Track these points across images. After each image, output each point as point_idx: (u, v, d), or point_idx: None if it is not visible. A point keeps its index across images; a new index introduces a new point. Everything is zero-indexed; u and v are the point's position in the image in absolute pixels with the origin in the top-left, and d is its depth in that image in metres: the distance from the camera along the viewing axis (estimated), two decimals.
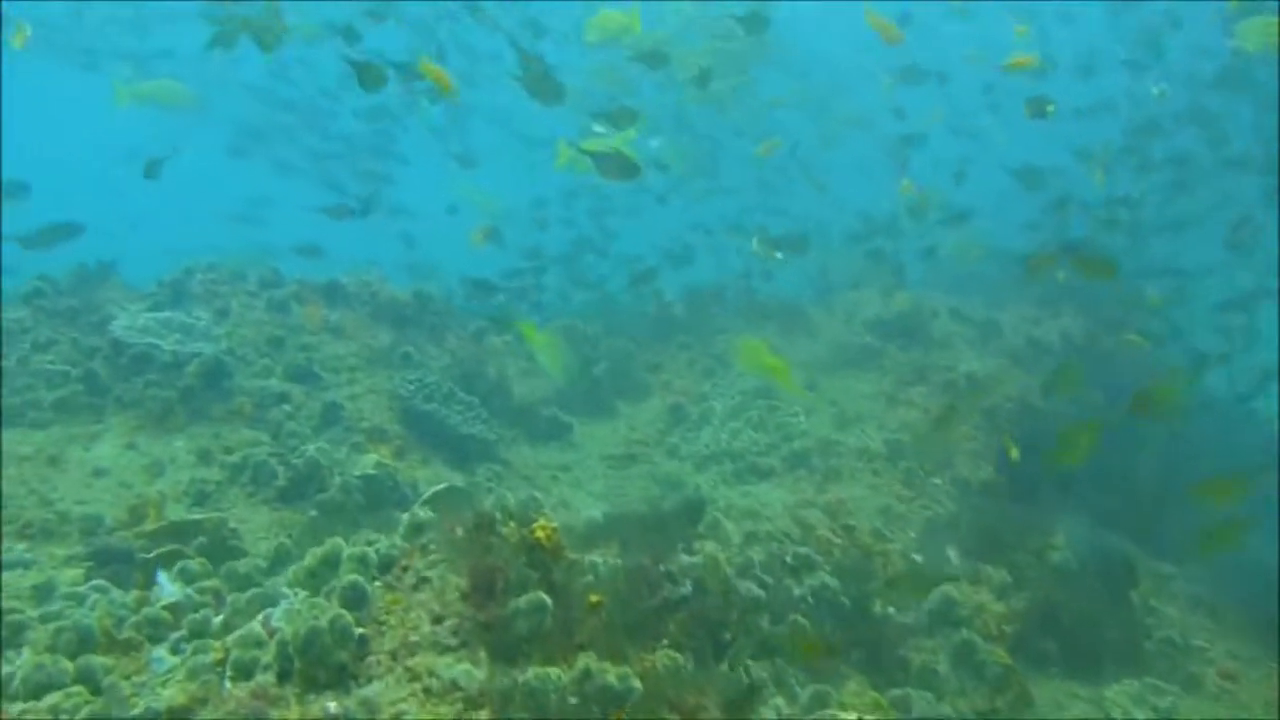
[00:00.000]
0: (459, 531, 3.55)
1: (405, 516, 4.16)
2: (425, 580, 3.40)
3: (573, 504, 6.66)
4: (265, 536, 5.07)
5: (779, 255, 7.33)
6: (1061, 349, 9.37)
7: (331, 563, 3.50)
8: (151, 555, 4.37)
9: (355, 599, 3.25)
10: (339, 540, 3.54)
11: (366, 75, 5.43)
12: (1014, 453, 6.99)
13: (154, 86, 8.10)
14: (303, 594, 3.45)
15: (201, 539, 4.68)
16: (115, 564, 4.45)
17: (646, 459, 7.74)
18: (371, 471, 5.56)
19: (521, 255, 10.60)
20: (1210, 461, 9.74)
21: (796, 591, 5.04)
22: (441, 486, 5.46)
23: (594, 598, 3.57)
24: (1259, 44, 7.49)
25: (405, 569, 3.53)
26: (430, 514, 4.15)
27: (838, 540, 5.70)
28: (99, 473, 5.37)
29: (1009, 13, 12.77)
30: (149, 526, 4.79)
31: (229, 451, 5.77)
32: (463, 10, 10.25)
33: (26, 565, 4.45)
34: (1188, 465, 10.11)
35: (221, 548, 4.71)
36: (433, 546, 3.54)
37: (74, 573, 4.39)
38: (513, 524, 3.58)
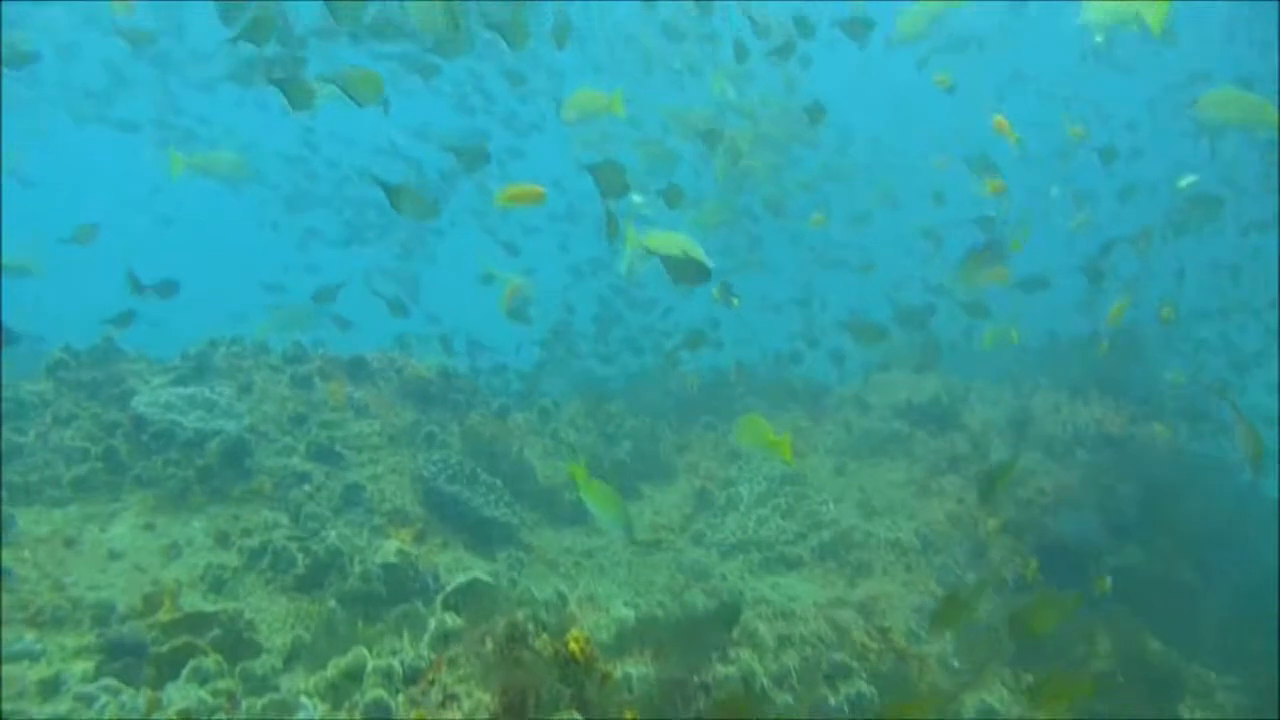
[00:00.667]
0: (488, 643, 3.39)
1: (432, 623, 4.00)
2: (453, 697, 3.22)
3: (599, 596, 6.45)
4: (282, 628, 4.90)
5: (735, 303, 7.13)
6: (1095, 439, 9.16)
7: (355, 675, 3.32)
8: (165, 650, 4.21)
9: (379, 717, 3.07)
10: (363, 651, 3.37)
11: (399, 198, 5.30)
12: (1032, 569, 6.77)
13: (210, 157, 8.06)
14: (324, 707, 3.27)
15: (216, 631, 4.52)
16: (127, 657, 4.28)
17: (671, 546, 7.54)
18: (393, 560, 5.38)
19: (547, 330, 10.54)
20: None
21: (833, 701, 4.83)
22: (465, 579, 5.27)
23: (629, 715, 3.39)
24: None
25: (431, 682, 3.35)
26: (457, 620, 3.98)
27: (873, 644, 5.47)
28: (114, 555, 5.22)
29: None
30: (163, 617, 4.62)
31: (248, 534, 5.62)
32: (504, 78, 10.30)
33: (35, 656, 4.28)
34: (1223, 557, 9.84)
35: (237, 641, 4.54)
36: (461, 659, 3.37)
37: (84, 666, 4.22)
38: (545, 636, 3.41)
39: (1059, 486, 8.36)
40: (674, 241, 4.72)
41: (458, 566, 6.06)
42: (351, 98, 5.14)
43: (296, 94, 5.33)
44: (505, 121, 12.81)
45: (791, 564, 7.27)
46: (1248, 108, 5.78)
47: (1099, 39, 6.11)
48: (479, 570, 5.82)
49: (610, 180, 5.39)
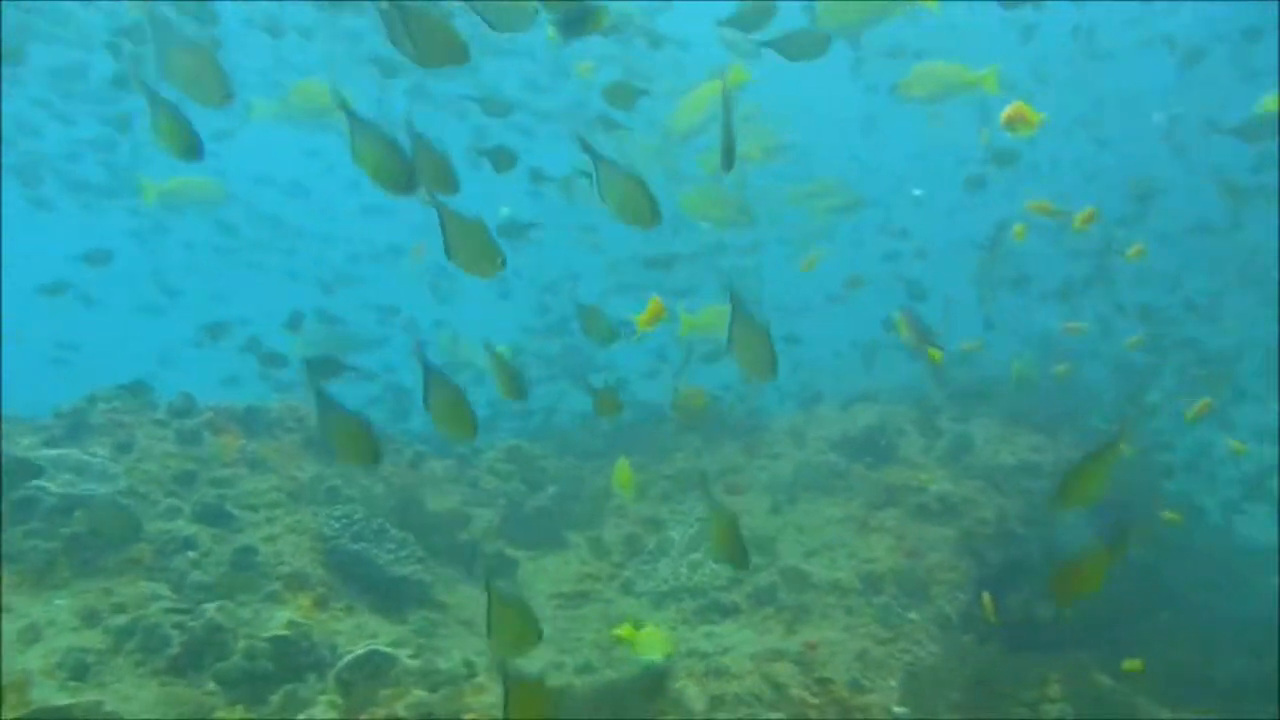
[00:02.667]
0: None
1: (320, 703, 3.50)
2: None
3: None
4: (150, 718, 4.33)
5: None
6: (1037, 468, 8.94)
7: None
8: None
9: None
10: None
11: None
12: (989, 609, 6.46)
13: (182, 184, 7.31)
14: None
15: None
16: None
17: (600, 596, 7.08)
18: (283, 632, 4.85)
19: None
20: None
21: None
22: (362, 651, 4.78)
23: None
24: None
25: None
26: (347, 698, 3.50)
27: (814, 700, 5.08)
28: None
29: None
30: (9, 715, 4.03)
31: (120, 610, 5.04)
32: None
33: None
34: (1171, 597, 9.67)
35: None
36: None
37: None
38: None
39: (1002, 516, 8.11)
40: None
41: (361, 634, 5.54)
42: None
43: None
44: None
45: (727, 611, 6.85)
46: (951, 79, 5.47)
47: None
48: (382, 639, 5.31)
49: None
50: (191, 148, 3.38)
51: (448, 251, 3.44)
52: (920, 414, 9.95)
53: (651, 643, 5.21)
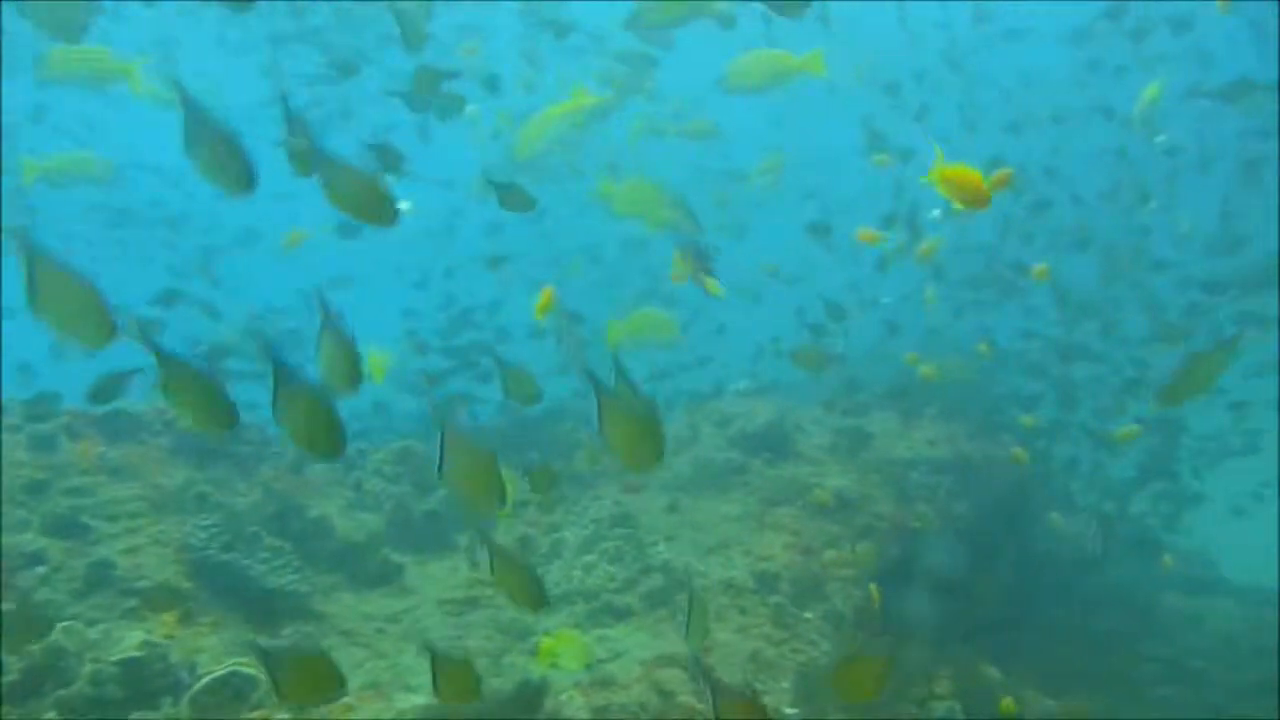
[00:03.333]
0: None
1: None
2: None
3: (399, 670, 5.70)
4: None
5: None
6: (932, 462, 9.01)
7: None
8: None
9: None
10: None
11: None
12: (877, 600, 6.45)
13: (64, 159, 6.69)
14: None
15: None
16: None
17: (490, 602, 6.84)
18: (134, 654, 4.51)
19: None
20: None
21: None
22: (221, 672, 4.47)
23: None
24: None
25: None
26: None
27: (702, 706, 4.95)
28: None
29: None
30: None
31: None
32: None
33: None
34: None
35: None
36: None
37: None
38: None
39: (898, 511, 8.15)
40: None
41: (228, 652, 5.21)
42: None
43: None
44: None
45: (620, 614, 6.70)
46: (778, 66, 5.29)
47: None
48: (245, 657, 5.00)
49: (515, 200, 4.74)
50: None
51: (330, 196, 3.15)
52: (820, 409, 9.98)
53: (571, 652, 5.07)
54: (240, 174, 2.93)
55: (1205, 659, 9.06)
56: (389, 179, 3.54)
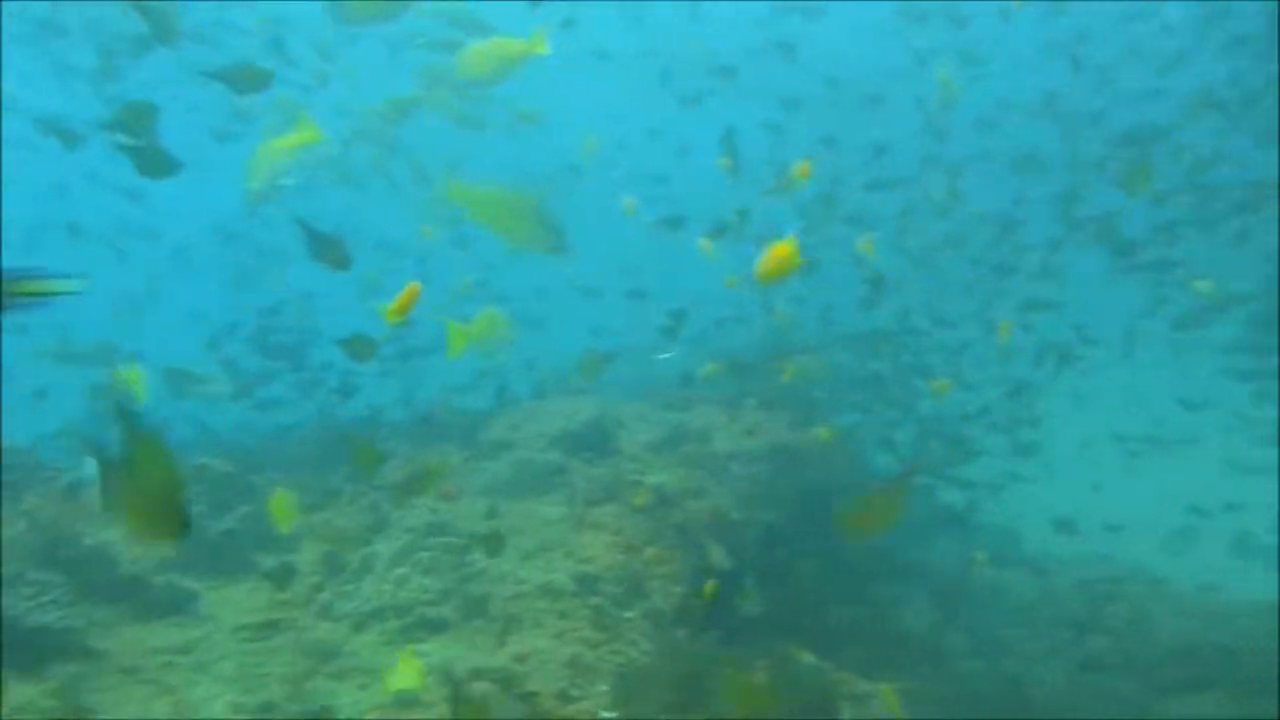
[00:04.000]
0: None
1: None
2: None
3: (186, 705, 5.26)
4: None
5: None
6: (751, 453, 9.13)
7: None
8: None
9: None
10: None
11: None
12: (710, 590, 6.45)
13: None
14: None
15: None
16: None
17: (292, 625, 6.44)
18: None
19: None
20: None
21: None
22: None
23: None
24: None
25: None
26: None
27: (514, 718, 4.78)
28: None
29: None
30: None
31: None
32: None
33: None
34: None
35: None
36: None
37: None
38: None
39: (718, 504, 8.20)
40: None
41: None
42: None
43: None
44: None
45: (436, 627, 6.43)
46: (505, 53, 5.18)
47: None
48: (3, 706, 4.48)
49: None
50: None
51: None
52: (644, 405, 9.97)
53: (404, 673, 4.81)
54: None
55: (1007, 629, 9.59)
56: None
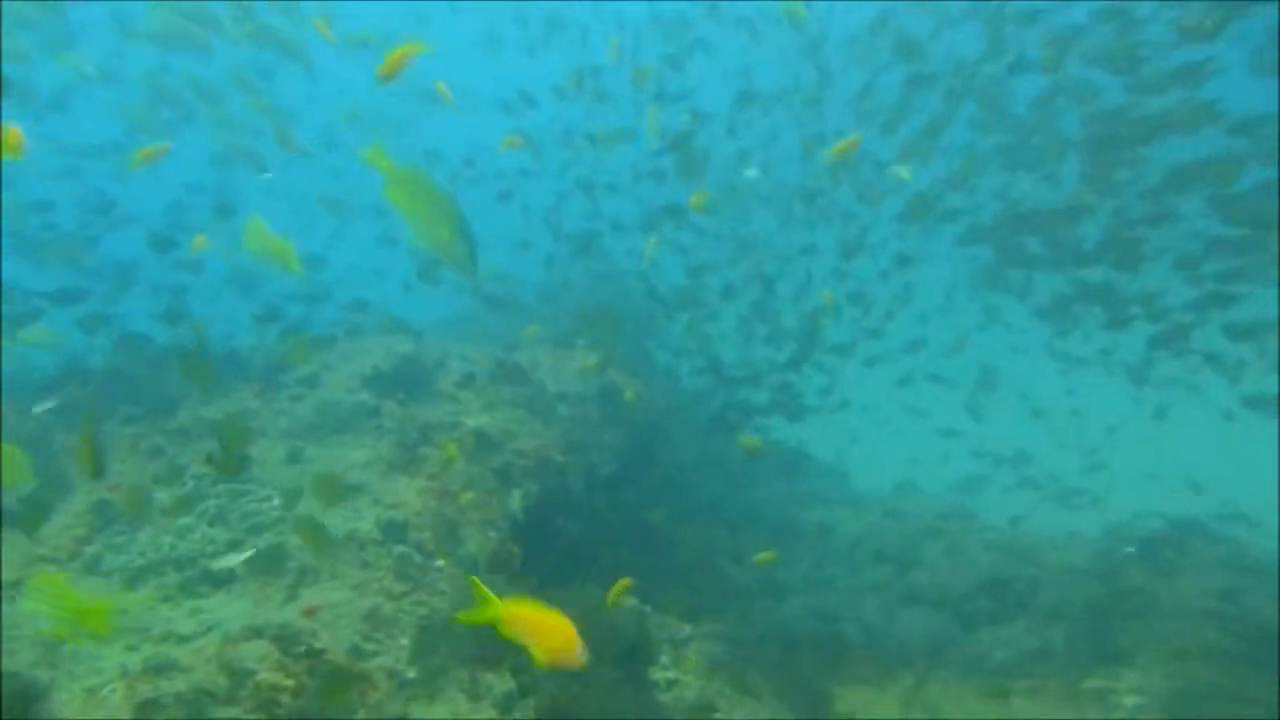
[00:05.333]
0: None
1: None
2: None
3: None
4: None
5: None
6: (581, 394, 8.80)
7: None
8: None
9: None
10: None
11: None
12: (442, 562, 6.14)
13: None
14: None
15: None
16: None
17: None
18: None
19: None
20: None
21: None
22: None
23: None
24: None
25: None
26: None
27: (287, 682, 4.30)
28: None
29: None
30: None
31: None
32: None
33: None
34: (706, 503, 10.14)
35: None
36: None
37: None
38: None
39: (541, 446, 7.84)
40: None
41: None
42: None
43: None
44: None
45: (220, 581, 5.84)
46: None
47: None
48: None
49: None
50: None
51: None
52: (469, 345, 9.48)
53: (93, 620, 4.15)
54: None
55: (834, 567, 9.69)
56: None
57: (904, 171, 8.56)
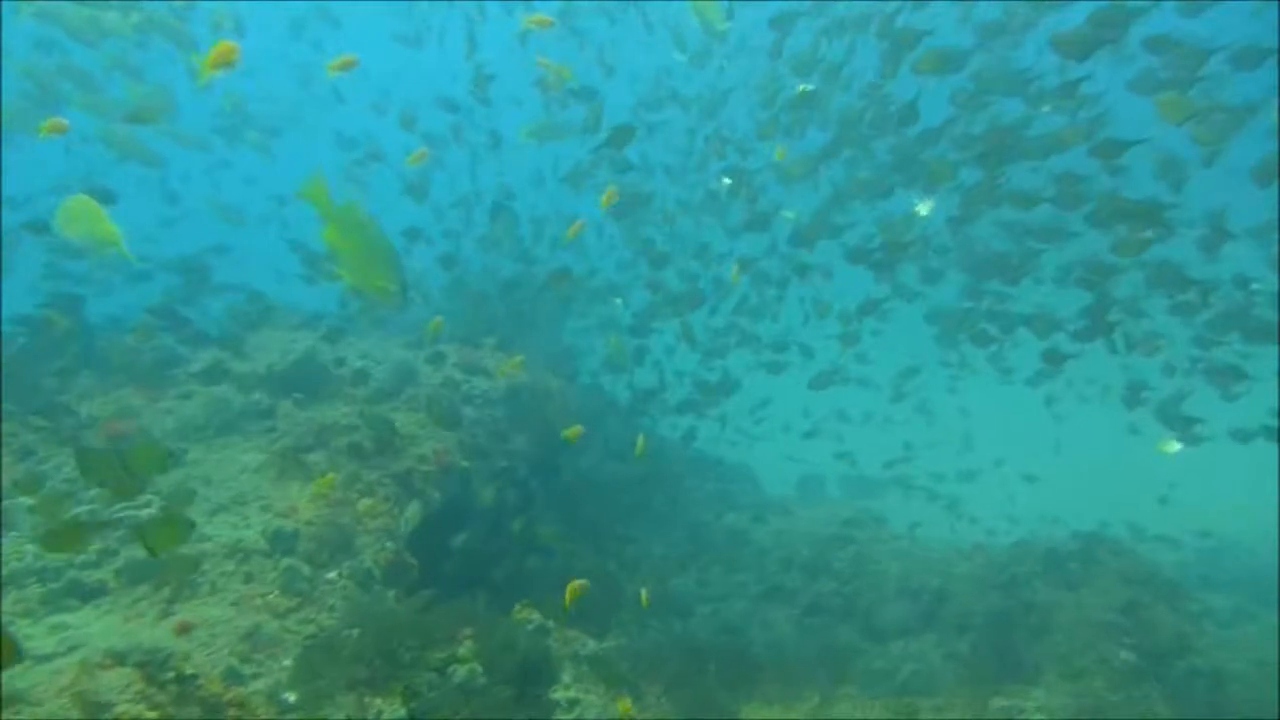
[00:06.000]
0: None
1: None
2: None
3: None
4: None
5: None
6: (490, 395, 8.51)
7: None
8: None
9: None
10: None
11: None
12: (333, 575, 5.88)
13: None
14: None
15: None
16: None
17: None
18: None
19: None
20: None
21: None
22: None
23: None
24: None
25: None
26: None
27: (151, 714, 3.97)
28: None
29: None
30: None
31: None
32: None
33: None
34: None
35: None
36: None
37: None
38: None
39: (442, 451, 7.54)
40: None
41: None
42: None
43: None
44: None
45: (89, 594, 5.44)
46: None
47: None
48: None
49: None
50: None
51: None
52: (372, 343, 9.12)
53: None
54: None
55: (745, 573, 9.59)
56: None
57: (924, 207, 8.48)
